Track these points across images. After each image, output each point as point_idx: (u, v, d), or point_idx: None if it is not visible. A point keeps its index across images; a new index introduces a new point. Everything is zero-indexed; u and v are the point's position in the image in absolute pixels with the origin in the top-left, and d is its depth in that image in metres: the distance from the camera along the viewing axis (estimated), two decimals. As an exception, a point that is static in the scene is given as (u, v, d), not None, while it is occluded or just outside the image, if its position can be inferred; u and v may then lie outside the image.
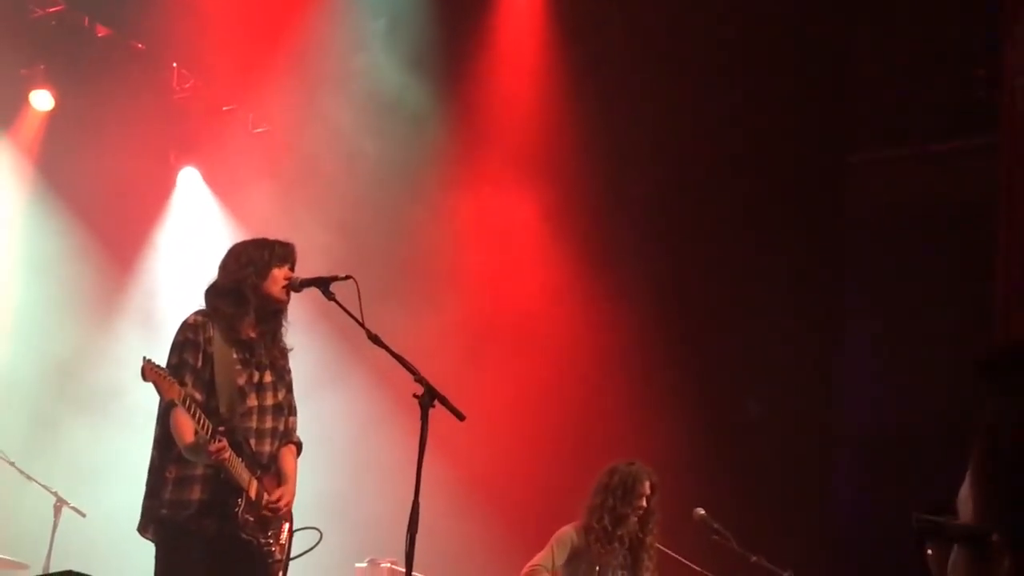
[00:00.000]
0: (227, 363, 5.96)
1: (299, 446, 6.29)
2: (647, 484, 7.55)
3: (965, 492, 2.23)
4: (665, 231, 10.35)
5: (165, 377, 5.67)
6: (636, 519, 7.52)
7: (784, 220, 10.12)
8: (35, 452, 9.67)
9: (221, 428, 5.75)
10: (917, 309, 9.77)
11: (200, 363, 5.90)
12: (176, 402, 5.65)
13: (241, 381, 6.00)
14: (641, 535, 7.57)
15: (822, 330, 10.21)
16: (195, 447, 5.71)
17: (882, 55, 9.95)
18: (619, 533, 7.50)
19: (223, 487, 5.81)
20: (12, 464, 8.97)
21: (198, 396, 5.78)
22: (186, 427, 5.72)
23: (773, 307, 10.14)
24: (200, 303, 6.15)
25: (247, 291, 6.05)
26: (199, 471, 5.81)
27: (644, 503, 7.53)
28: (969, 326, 8.96)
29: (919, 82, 9.65)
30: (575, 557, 7.53)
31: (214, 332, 5.97)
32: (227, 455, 5.72)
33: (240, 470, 5.82)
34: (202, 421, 5.69)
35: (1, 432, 9.41)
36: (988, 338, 8.12)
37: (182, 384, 5.72)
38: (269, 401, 6.10)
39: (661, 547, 7.65)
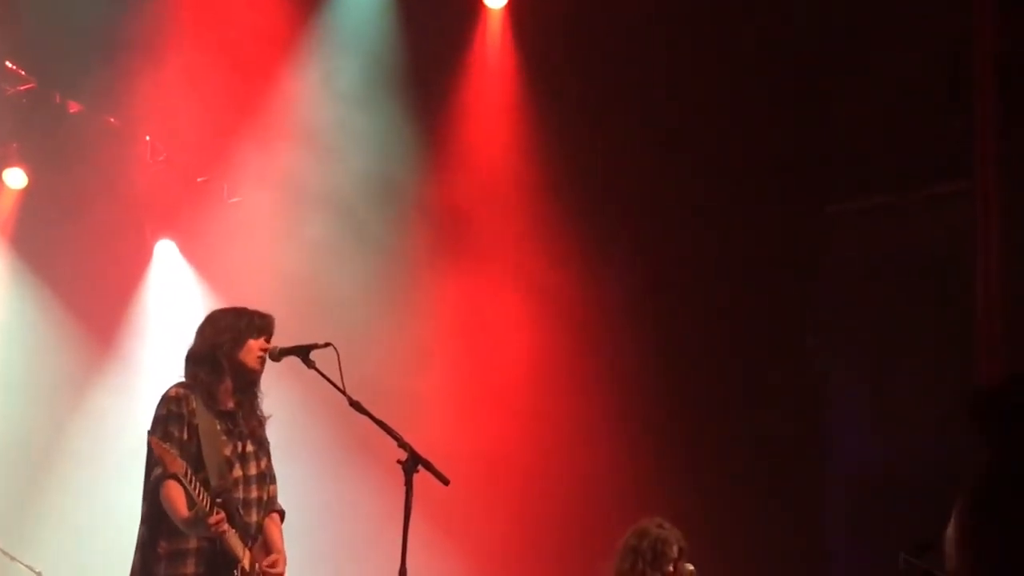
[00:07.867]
0: (212, 434, 5.93)
1: (282, 514, 6.28)
2: (675, 548, 7.25)
3: (952, 533, 2.21)
4: (646, 286, 10.32)
5: (168, 451, 5.64)
6: None
7: (761, 273, 10.12)
8: (16, 531, 9.58)
9: (219, 500, 5.71)
10: (897, 359, 9.77)
11: (186, 436, 5.87)
12: (178, 476, 5.61)
13: (228, 452, 5.99)
14: None
15: (803, 382, 10.18)
16: (194, 520, 5.67)
17: (856, 105, 9.97)
18: None
19: (218, 559, 5.78)
20: (-6, 546, 8.86)
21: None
22: (181, 500, 5.68)
23: (754, 361, 10.13)
24: (180, 376, 6.13)
25: (221, 358, 6.04)
26: (192, 544, 5.78)
27: (672, 568, 7.29)
28: (950, 376, 8.96)
29: (894, 131, 9.67)
30: None
31: (197, 404, 5.94)
32: (225, 527, 5.68)
33: (235, 541, 5.79)
34: (201, 494, 5.64)
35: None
36: (969, 387, 8.10)
37: None
38: (253, 471, 6.09)
39: None
